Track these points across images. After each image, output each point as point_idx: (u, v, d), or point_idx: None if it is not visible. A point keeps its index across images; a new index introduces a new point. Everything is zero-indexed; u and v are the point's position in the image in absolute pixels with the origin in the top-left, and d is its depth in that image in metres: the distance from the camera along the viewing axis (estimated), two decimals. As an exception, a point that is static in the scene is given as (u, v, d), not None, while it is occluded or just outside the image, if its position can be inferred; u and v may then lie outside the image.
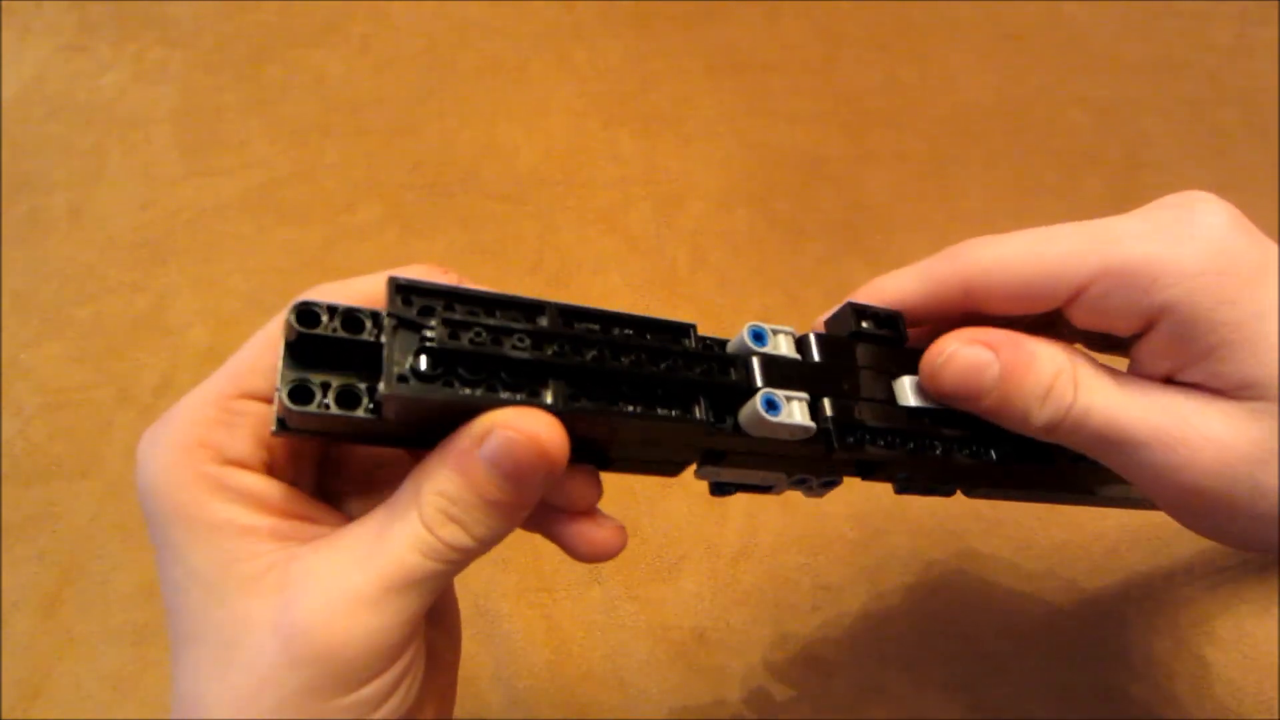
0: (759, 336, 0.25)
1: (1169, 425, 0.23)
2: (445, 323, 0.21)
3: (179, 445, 0.22)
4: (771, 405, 0.24)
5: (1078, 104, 0.62)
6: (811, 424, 0.24)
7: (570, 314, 0.23)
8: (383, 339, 0.20)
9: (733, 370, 0.24)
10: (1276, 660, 0.39)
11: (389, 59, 0.64)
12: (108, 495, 0.44)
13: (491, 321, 0.21)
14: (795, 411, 0.24)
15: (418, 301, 0.21)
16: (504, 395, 0.21)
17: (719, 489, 0.28)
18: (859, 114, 0.62)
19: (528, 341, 0.21)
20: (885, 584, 0.42)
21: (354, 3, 0.68)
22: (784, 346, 0.25)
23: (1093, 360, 0.25)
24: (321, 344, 0.21)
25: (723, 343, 0.25)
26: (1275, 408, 0.23)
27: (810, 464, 0.27)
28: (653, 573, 0.42)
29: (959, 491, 0.31)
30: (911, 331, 0.29)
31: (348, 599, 0.20)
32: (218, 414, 0.22)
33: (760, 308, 0.51)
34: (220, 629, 0.21)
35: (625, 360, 0.22)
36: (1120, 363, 0.26)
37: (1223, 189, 0.26)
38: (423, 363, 0.20)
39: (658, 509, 0.43)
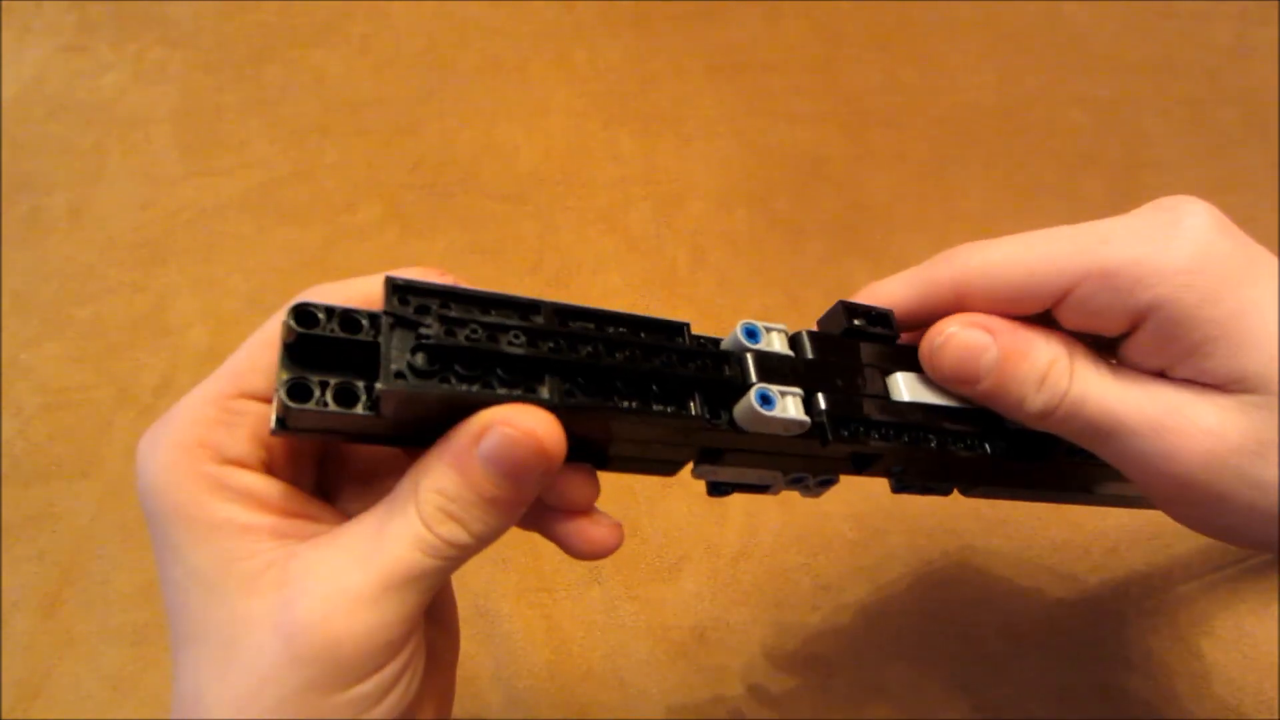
0: (752, 334, 0.25)
1: (1162, 414, 0.24)
2: (442, 320, 0.21)
3: (179, 445, 0.22)
4: (766, 400, 0.24)
5: (1078, 104, 0.62)
6: (806, 418, 0.24)
7: (565, 313, 0.23)
8: (380, 338, 0.21)
9: (727, 367, 0.24)
10: (1276, 659, 0.39)
11: (389, 59, 0.64)
12: (108, 495, 0.44)
13: (487, 319, 0.21)
14: (790, 406, 0.24)
15: (414, 300, 0.21)
16: (500, 391, 0.21)
17: (716, 489, 0.28)
18: (859, 114, 0.62)
19: (523, 338, 0.21)
20: (885, 583, 0.42)
21: (354, 3, 0.68)
22: (777, 344, 0.26)
23: (1089, 351, 0.26)
24: (319, 345, 0.21)
25: (716, 341, 0.26)
26: (1267, 400, 0.23)
27: (806, 460, 0.27)
28: (653, 573, 0.42)
29: (956, 491, 0.31)
30: (905, 336, 0.30)
31: (347, 596, 0.20)
32: (217, 414, 0.22)
33: (760, 308, 0.51)
34: (220, 628, 0.21)
35: (620, 356, 0.22)
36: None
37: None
38: (420, 360, 0.20)
39: (658, 509, 0.43)
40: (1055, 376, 0.25)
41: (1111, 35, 0.67)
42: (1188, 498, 0.24)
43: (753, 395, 0.24)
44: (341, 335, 0.21)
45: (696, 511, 0.43)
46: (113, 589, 0.41)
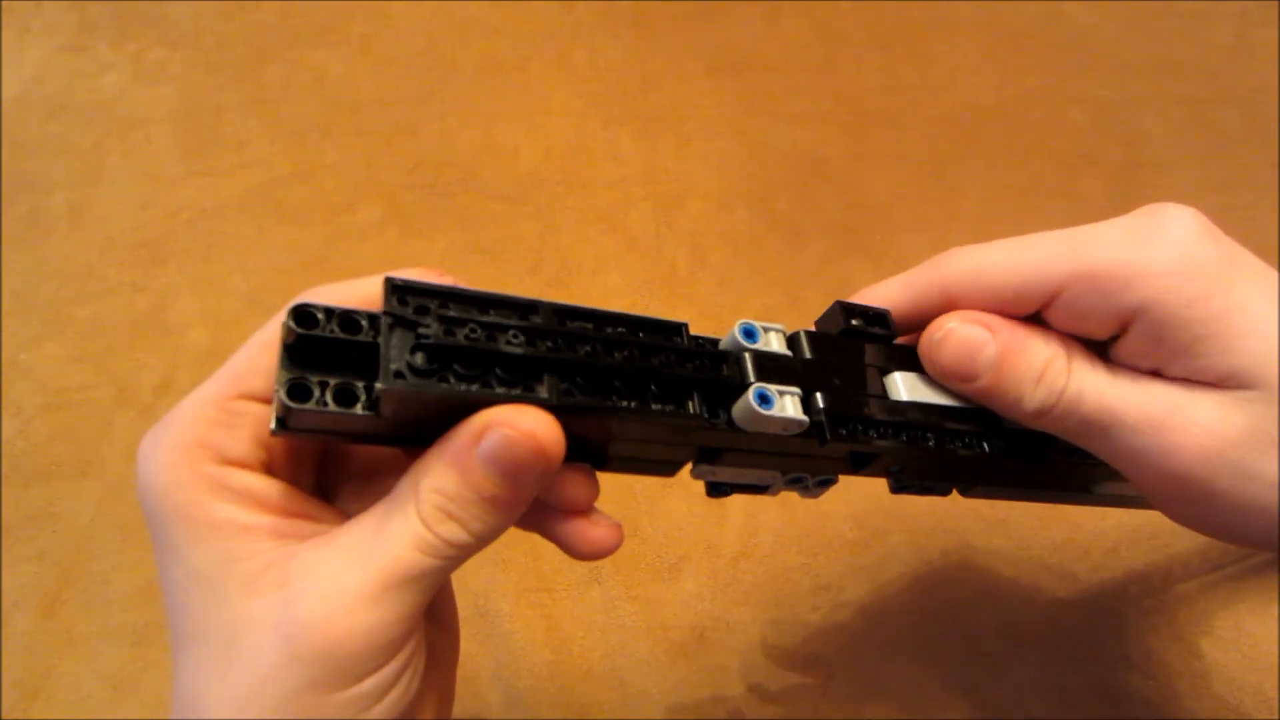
0: (750, 334, 0.25)
1: (1158, 410, 0.24)
2: (441, 320, 0.21)
3: (179, 446, 0.22)
4: (764, 399, 0.24)
5: (1078, 104, 0.63)
6: (804, 417, 0.24)
7: (563, 313, 0.23)
8: (379, 339, 0.21)
9: (725, 366, 0.24)
10: (1276, 658, 0.39)
11: (389, 59, 0.64)
12: (108, 495, 0.44)
13: (486, 319, 0.21)
14: (788, 405, 0.24)
15: (413, 301, 0.21)
16: (499, 391, 0.21)
17: (715, 489, 0.28)
18: (859, 114, 0.62)
19: (522, 338, 0.21)
20: (885, 583, 0.42)
21: (354, 3, 0.68)
22: (775, 344, 0.26)
23: (1086, 350, 0.26)
24: (319, 346, 0.21)
25: (715, 341, 0.26)
26: (1261, 395, 0.23)
27: (804, 460, 0.27)
28: (653, 573, 0.42)
29: (955, 491, 0.31)
30: (899, 339, 0.30)
31: (347, 596, 0.21)
32: (217, 415, 0.22)
33: (760, 308, 0.51)
34: (221, 628, 0.21)
35: (618, 356, 0.22)
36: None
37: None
38: (419, 359, 0.20)
39: (657, 509, 0.43)
40: (1053, 373, 0.25)
41: (1111, 35, 0.67)
42: (1185, 494, 0.25)
43: (751, 394, 0.24)
44: (341, 336, 0.21)
45: (696, 511, 0.43)
46: (113, 589, 0.41)
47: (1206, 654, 0.40)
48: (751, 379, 0.24)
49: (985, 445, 0.27)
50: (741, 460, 0.26)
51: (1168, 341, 0.24)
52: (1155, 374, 0.25)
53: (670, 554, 0.42)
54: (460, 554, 0.22)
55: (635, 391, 0.23)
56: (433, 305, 0.21)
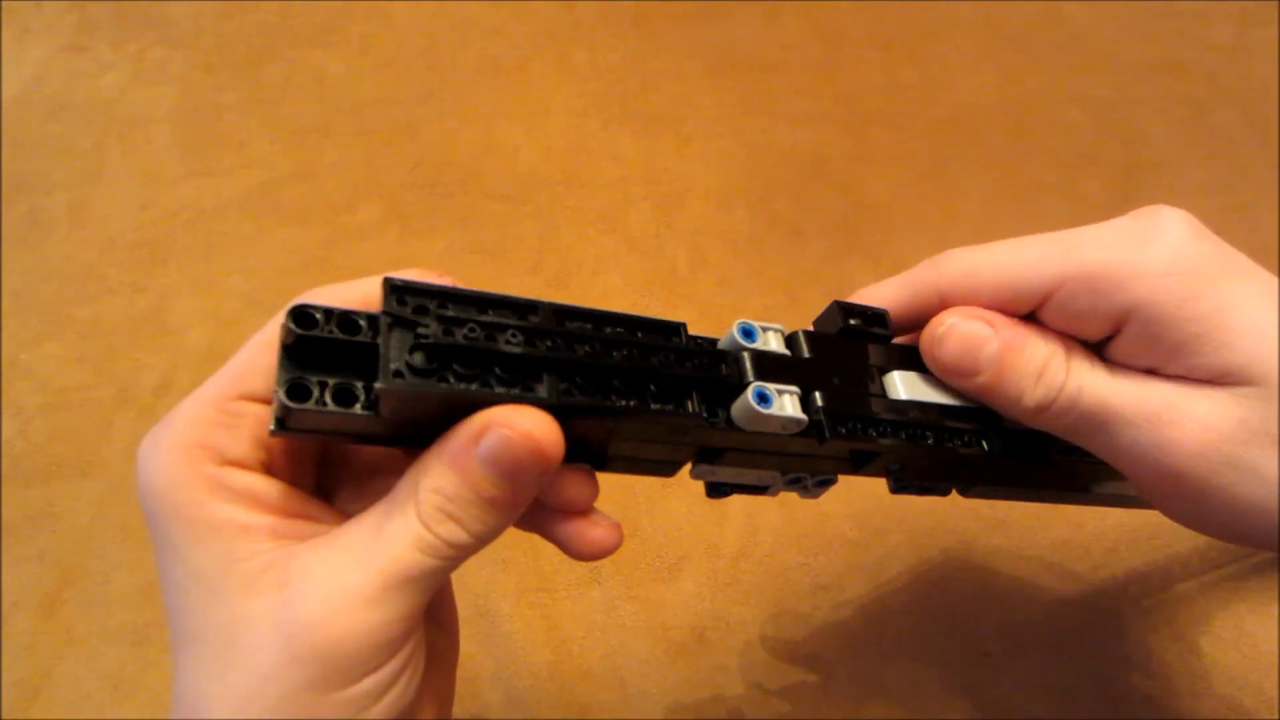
0: (748, 333, 0.25)
1: (1155, 405, 0.24)
2: (440, 320, 0.21)
3: (179, 446, 0.22)
4: (763, 398, 0.24)
5: (1078, 104, 0.63)
6: (803, 416, 0.24)
7: (563, 313, 0.23)
8: (378, 339, 0.21)
9: (724, 366, 0.24)
10: (1276, 658, 0.39)
11: (389, 59, 0.64)
12: (108, 495, 0.44)
13: (485, 319, 0.21)
14: (786, 404, 0.24)
15: (412, 301, 0.21)
16: (499, 391, 0.21)
17: (715, 490, 0.28)
18: (859, 114, 0.62)
19: (521, 338, 0.21)
20: (885, 583, 0.42)
21: (354, 3, 0.68)
22: (774, 343, 0.26)
23: (1084, 348, 0.26)
24: (318, 346, 0.21)
25: (713, 341, 0.26)
26: (1257, 391, 0.24)
27: (804, 459, 0.27)
28: (653, 573, 0.42)
29: (955, 491, 0.31)
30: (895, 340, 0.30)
31: (348, 596, 0.21)
32: (217, 415, 0.22)
33: (760, 307, 0.51)
34: (220, 628, 0.21)
35: (617, 356, 0.23)
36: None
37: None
38: (418, 359, 0.21)
39: (657, 509, 0.43)
40: (1053, 370, 0.25)
41: (1111, 35, 0.67)
42: (1182, 491, 0.25)
43: (750, 393, 0.24)
44: (340, 336, 0.21)
45: (696, 511, 0.43)
46: (113, 589, 0.41)
47: (1206, 653, 0.40)
48: (750, 378, 0.24)
49: (984, 444, 0.27)
50: (741, 460, 0.26)
51: (1161, 340, 0.24)
52: (1151, 373, 0.25)
53: (670, 554, 0.42)
54: (460, 554, 0.22)
55: (634, 391, 0.23)
56: (431, 305, 0.21)
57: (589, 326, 0.23)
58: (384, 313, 0.21)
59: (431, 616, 0.26)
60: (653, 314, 0.24)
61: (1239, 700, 0.38)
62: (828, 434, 0.25)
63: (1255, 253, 0.26)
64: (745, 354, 0.25)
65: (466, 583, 0.41)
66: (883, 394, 0.27)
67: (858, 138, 0.60)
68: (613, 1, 0.68)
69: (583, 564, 0.42)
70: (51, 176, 0.57)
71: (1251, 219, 0.55)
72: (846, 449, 0.26)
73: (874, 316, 0.28)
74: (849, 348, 0.27)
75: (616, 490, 0.44)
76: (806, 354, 0.26)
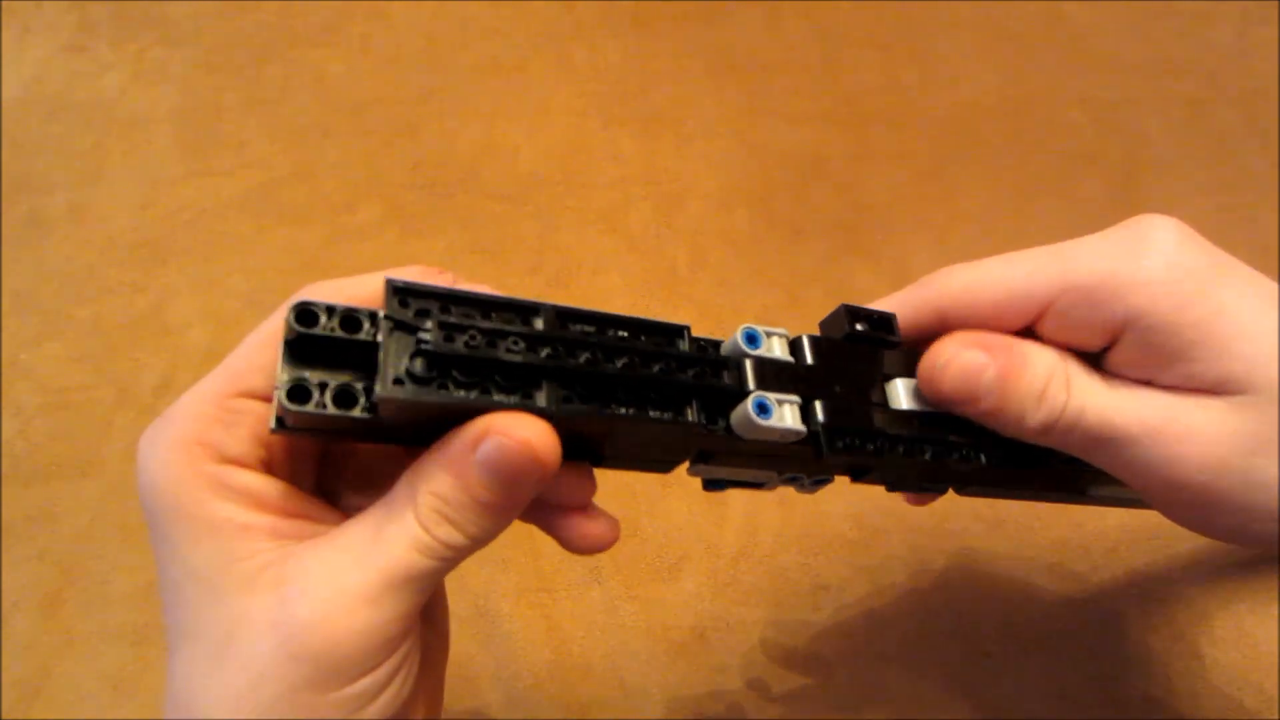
0: (752, 339, 0.25)
1: (1159, 421, 0.24)
2: (441, 326, 0.21)
3: (179, 444, 0.22)
4: (763, 409, 0.24)
5: (1078, 104, 0.62)
6: (802, 428, 0.24)
7: (565, 316, 0.23)
8: (380, 338, 0.21)
9: (725, 374, 0.24)
10: (1276, 658, 0.39)
11: (389, 59, 0.64)
12: (108, 495, 0.44)
13: (486, 325, 0.21)
14: (786, 415, 0.24)
15: (414, 304, 0.21)
16: (498, 398, 0.21)
17: (712, 485, 0.28)
18: (859, 114, 0.62)
19: (522, 345, 0.21)
20: (885, 583, 0.42)
21: (354, 3, 0.68)
22: (777, 349, 0.26)
23: (1083, 362, 0.26)
24: (320, 343, 0.21)
25: (717, 344, 0.25)
26: (1255, 399, 0.24)
27: (801, 464, 0.27)
28: (653, 573, 0.42)
29: (950, 490, 0.31)
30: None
31: (346, 595, 0.21)
32: (216, 412, 0.22)
33: (760, 308, 0.51)
34: (217, 626, 0.21)
35: (618, 363, 0.22)
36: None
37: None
38: (418, 365, 0.21)
39: (657, 509, 0.43)
40: (1054, 390, 0.25)
41: (1111, 35, 0.67)
42: (1188, 501, 0.25)
43: (750, 403, 0.24)
44: (342, 335, 0.21)
45: (696, 511, 0.43)
46: (113, 589, 0.41)
47: (1206, 653, 0.40)
48: (751, 387, 0.24)
49: (982, 457, 0.27)
50: (738, 460, 0.26)
51: (1158, 349, 0.24)
52: (1149, 383, 0.25)
53: (670, 554, 0.42)
54: (456, 556, 0.22)
55: (634, 398, 0.23)
56: (433, 309, 0.21)
57: (591, 330, 0.23)
58: (385, 316, 0.21)
59: (424, 616, 0.26)
60: (653, 314, 0.24)
61: (1239, 700, 0.38)
62: (826, 450, 0.25)
63: (1255, 253, 0.26)
64: (748, 361, 0.25)
65: (466, 583, 0.41)
66: (884, 403, 0.27)
67: (858, 138, 0.60)
68: (613, 1, 0.68)
69: (583, 564, 0.42)
70: (51, 176, 0.57)
71: (1251, 219, 0.55)
72: (844, 463, 0.26)
73: (881, 321, 0.28)
74: (854, 353, 0.27)
75: (616, 490, 0.44)
76: (810, 360, 0.26)
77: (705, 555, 0.42)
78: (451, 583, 0.27)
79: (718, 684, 0.39)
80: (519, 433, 0.21)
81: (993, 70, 0.65)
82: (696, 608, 0.41)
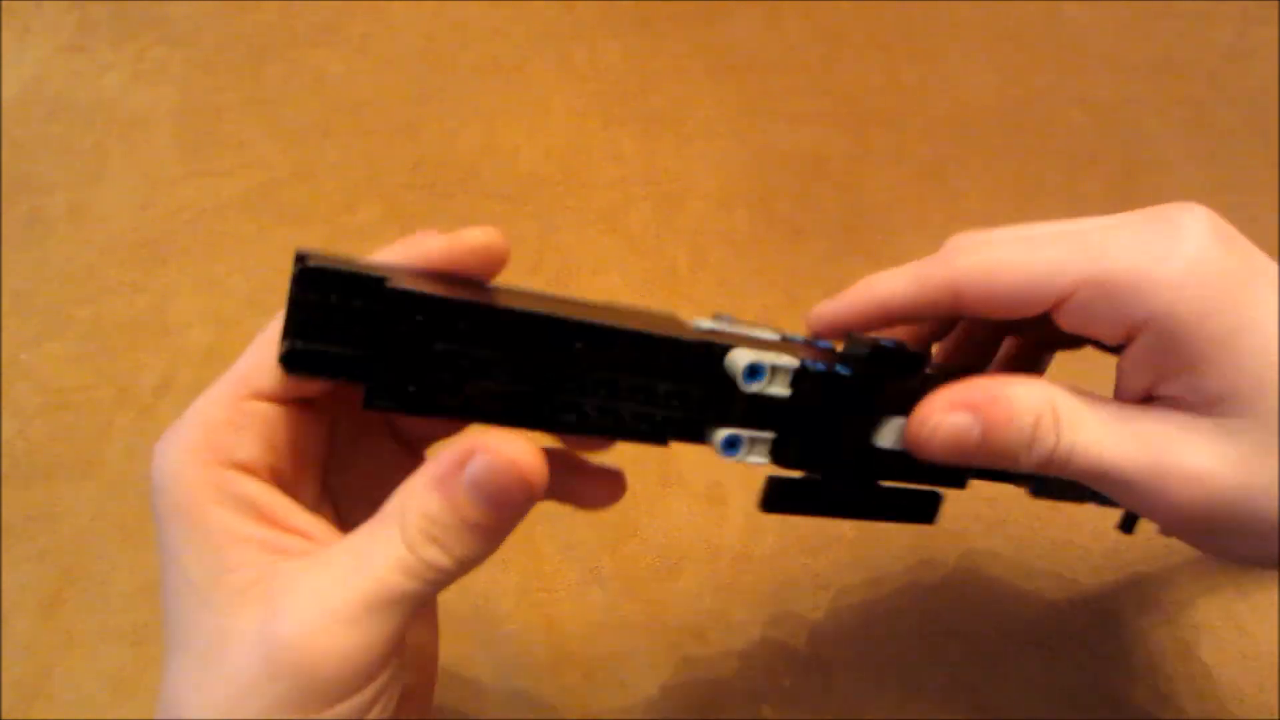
0: (755, 372, 0.24)
1: (1151, 460, 0.24)
2: (435, 357, 0.21)
3: (189, 447, 0.22)
4: (731, 445, 0.24)
5: (1078, 104, 0.62)
6: (766, 461, 0.25)
7: (564, 332, 0.22)
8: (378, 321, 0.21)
9: (712, 409, 0.24)
10: (1276, 659, 0.39)
11: (389, 59, 0.64)
12: (108, 495, 0.44)
13: (482, 354, 0.21)
14: (753, 455, 0.25)
15: (412, 318, 0.21)
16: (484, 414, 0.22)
17: None
18: (859, 114, 0.62)
19: (508, 379, 0.22)
20: (885, 584, 0.42)
21: (354, 3, 0.68)
22: (778, 386, 0.25)
23: (1073, 391, 0.25)
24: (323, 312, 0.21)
25: (724, 349, 0.25)
26: (1250, 424, 0.23)
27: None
28: (653, 573, 0.42)
29: (953, 489, 0.31)
30: (904, 329, 0.30)
31: (328, 615, 0.21)
32: (227, 415, 0.22)
33: (760, 308, 0.51)
34: (206, 637, 0.21)
35: (597, 402, 0.23)
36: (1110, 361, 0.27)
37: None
38: (409, 387, 0.21)
39: (657, 509, 0.43)
40: (1042, 433, 0.25)
41: (1111, 35, 0.67)
42: (1194, 532, 0.25)
43: (719, 441, 0.24)
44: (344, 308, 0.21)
45: (696, 511, 0.43)
46: (113, 589, 0.41)
47: (1206, 653, 0.40)
48: (731, 423, 0.24)
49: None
50: None
51: (1171, 355, 0.24)
52: (1153, 388, 0.25)
53: (670, 554, 0.42)
54: (442, 578, 0.22)
55: (612, 425, 0.24)
56: (433, 329, 0.21)
57: (585, 349, 0.23)
58: (383, 325, 0.21)
59: (411, 635, 0.26)
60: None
61: (1239, 700, 0.38)
62: (764, 507, 0.26)
63: (1256, 253, 0.25)
64: (740, 396, 0.24)
65: (466, 583, 0.41)
66: (870, 440, 0.27)
67: (858, 138, 0.60)
68: (613, 1, 0.68)
69: (583, 564, 0.42)
70: (51, 176, 0.57)
71: (1251, 219, 0.55)
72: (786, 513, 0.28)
73: (906, 362, 0.27)
74: (864, 385, 0.26)
75: (616, 490, 0.44)
76: (806, 399, 0.25)
77: (705, 555, 0.42)
78: (436, 602, 0.27)
79: (718, 684, 0.39)
80: (506, 452, 0.21)
81: (993, 70, 0.65)
82: (696, 608, 0.41)
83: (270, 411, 0.23)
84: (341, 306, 0.21)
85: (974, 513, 0.44)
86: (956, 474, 0.30)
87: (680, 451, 0.29)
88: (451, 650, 0.28)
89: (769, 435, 0.25)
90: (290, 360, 0.21)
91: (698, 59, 0.65)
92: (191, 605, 0.21)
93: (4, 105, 0.61)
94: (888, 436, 0.27)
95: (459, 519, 0.21)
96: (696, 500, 0.43)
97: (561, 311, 0.22)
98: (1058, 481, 0.28)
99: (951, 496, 0.31)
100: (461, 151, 0.59)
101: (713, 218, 0.56)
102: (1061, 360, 0.34)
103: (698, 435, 0.25)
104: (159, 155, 0.58)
